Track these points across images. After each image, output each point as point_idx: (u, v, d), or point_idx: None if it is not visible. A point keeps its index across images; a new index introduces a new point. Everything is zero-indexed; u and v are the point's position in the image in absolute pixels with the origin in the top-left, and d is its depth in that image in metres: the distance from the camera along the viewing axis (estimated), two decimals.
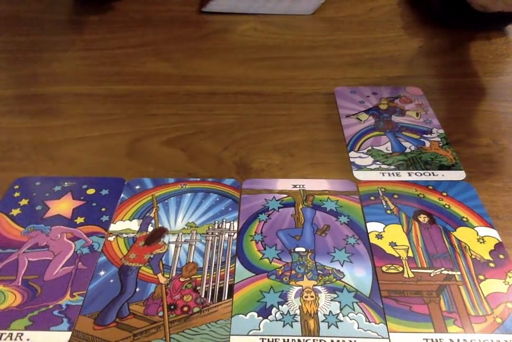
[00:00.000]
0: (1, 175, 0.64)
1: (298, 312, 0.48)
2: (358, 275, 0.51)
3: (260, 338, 0.46)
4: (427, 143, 0.67)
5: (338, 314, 0.48)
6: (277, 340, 0.46)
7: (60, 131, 0.71)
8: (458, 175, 0.62)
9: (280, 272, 0.52)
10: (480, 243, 0.54)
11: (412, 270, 0.52)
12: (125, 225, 0.57)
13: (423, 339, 0.46)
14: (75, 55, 0.89)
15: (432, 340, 0.46)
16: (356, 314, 0.48)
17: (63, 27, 0.97)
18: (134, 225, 0.57)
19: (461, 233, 0.55)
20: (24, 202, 0.60)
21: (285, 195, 0.60)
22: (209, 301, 0.49)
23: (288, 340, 0.46)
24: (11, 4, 1.04)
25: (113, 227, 0.57)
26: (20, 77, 0.83)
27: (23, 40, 0.93)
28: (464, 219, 0.57)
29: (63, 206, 0.60)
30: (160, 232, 0.56)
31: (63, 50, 0.90)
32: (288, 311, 0.48)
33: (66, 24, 0.98)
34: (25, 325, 0.47)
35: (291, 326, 0.47)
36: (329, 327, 0.47)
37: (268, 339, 0.46)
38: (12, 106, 0.76)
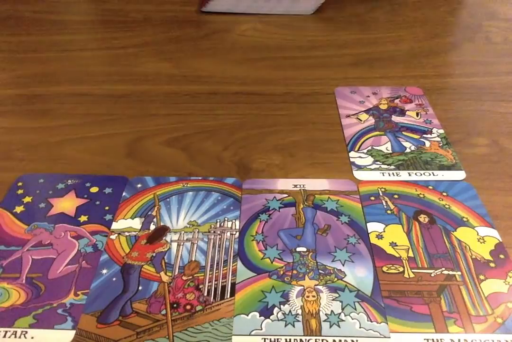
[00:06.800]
0: (1, 175, 0.63)
1: (299, 311, 0.48)
2: (359, 275, 0.51)
3: (262, 338, 0.46)
4: (427, 143, 0.67)
5: (339, 313, 0.48)
6: (279, 340, 0.46)
7: (60, 131, 0.71)
8: (458, 175, 0.63)
9: (281, 272, 0.52)
10: (481, 243, 0.54)
11: (413, 270, 0.52)
12: (127, 223, 0.57)
13: (424, 339, 0.46)
14: (75, 55, 0.89)
15: (433, 340, 0.46)
16: (358, 314, 0.48)
17: (63, 27, 0.97)
18: (136, 223, 0.57)
19: (461, 233, 0.56)
20: (27, 199, 0.60)
21: (285, 195, 0.60)
22: (211, 300, 0.49)
23: (290, 340, 0.46)
24: (11, 4, 1.04)
25: (115, 225, 0.57)
26: (20, 77, 0.83)
27: (23, 40, 0.93)
28: (464, 219, 0.57)
29: (67, 204, 0.60)
30: (162, 231, 0.56)
31: (63, 50, 0.90)
32: (290, 311, 0.48)
33: (66, 24, 0.98)
34: (29, 323, 0.48)
35: (293, 325, 0.47)
36: (331, 326, 0.47)
37: (270, 339, 0.46)
38: (12, 106, 0.76)
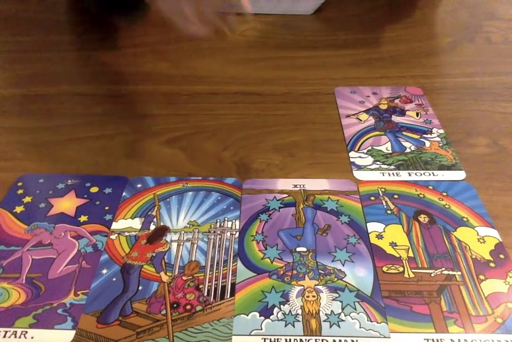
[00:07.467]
0: (1, 175, 0.63)
1: (299, 311, 0.48)
2: (359, 275, 0.51)
3: (262, 338, 0.46)
4: (427, 143, 0.67)
5: (339, 313, 0.48)
6: (279, 340, 0.46)
7: (60, 131, 0.71)
8: (458, 175, 0.63)
9: (281, 272, 0.52)
10: (481, 243, 0.54)
11: (413, 270, 0.52)
12: (127, 223, 0.57)
13: (424, 339, 0.46)
14: (75, 55, 0.89)
15: (433, 340, 0.46)
16: (358, 314, 0.48)
17: (63, 27, 0.97)
18: (136, 223, 0.57)
19: (461, 233, 0.56)
20: (27, 199, 0.60)
21: (285, 195, 0.60)
22: (211, 300, 0.49)
23: (290, 339, 0.46)
24: (11, 4, 1.03)
25: (115, 225, 0.57)
26: (20, 77, 0.83)
27: (23, 40, 0.93)
28: (464, 219, 0.57)
29: (67, 203, 0.60)
30: (162, 231, 0.56)
31: (63, 50, 0.89)
32: (290, 311, 0.48)
33: (66, 24, 0.98)
34: (29, 323, 0.48)
35: (293, 325, 0.47)
36: (331, 326, 0.47)
37: (270, 339, 0.46)
38: (12, 106, 0.76)
